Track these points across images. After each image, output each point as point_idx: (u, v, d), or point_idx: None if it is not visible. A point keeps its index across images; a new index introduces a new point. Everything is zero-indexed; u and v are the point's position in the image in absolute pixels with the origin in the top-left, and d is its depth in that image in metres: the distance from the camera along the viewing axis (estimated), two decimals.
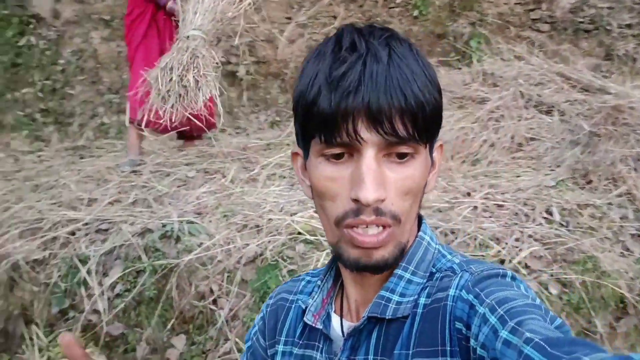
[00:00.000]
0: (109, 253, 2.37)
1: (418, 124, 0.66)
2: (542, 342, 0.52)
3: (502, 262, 2.13)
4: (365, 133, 0.65)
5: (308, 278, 0.91)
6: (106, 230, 2.53)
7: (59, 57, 5.75)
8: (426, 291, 0.73)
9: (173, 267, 2.33)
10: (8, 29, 5.77)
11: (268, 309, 0.91)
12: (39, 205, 2.64)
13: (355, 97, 0.64)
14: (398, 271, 0.74)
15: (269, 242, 2.45)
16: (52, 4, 5.95)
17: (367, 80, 0.64)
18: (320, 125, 0.66)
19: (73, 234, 2.47)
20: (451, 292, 0.69)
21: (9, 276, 2.36)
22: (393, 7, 5.22)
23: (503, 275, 0.70)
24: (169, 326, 2.30)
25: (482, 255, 2.15)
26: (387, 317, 0.72)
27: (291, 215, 2.60)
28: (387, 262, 0.70)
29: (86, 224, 2.53)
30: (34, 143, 5.35)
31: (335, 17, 5.26)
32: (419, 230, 0.78)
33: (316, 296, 0.82)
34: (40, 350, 2.24)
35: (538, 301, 0.64)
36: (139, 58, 3.38)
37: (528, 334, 0.53)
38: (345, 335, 0.77)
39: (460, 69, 4.15)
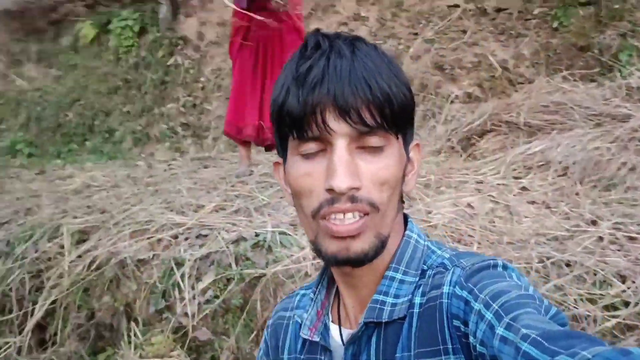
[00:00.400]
0: (204, 258, 2.42)
1: (385, 114, 0.68)
2: (539, 338, 0.51)
3: (626, 304, 1.78)
4: (334, 123, 0.66)
5: (302, 292, 0.90)
6: (205, 236, 2.59)
7: (201, 75, 6.22)
8: (420, 290, 0.73)
9: (260, 277, 2.31)
10: (159, 50, 6.39)
11: (269, 330, 0.92)
12: (152, 208, 2.81)
13: (320, 89, 0.66)
14: (389, 273, 0.74)
15: None
16: (197, 27, 6.49)
17: (332, 73, 0.66)
18: (292, 122, 0.68)
19: (176, 237, 2.58)
20: (445, 289, 0.69)
21: (116, 273, 2.52)
22: (529, 19, 4.83)
23: (494, 266, 0.69)
24: (252, 336, 2.27)
25: (601, 294, 1.81)
26: (383, 321, 0.72)
27: None
28: (367, 254, 0.69)
29: (188, 228, 2.62)
30: (175, 154, 5.82)
31: (464, 32, 5.01)
32: (405, 229, 0.78)
33: (310, 309, 0.82)
34: (135, 347, 2.34)
35: (531, 289, 0.63)
36: (234, 76, 3.55)
37: (524, 330, 0.53)
38: (345, 343, 0.76)
39: (603, 84, 3.67)
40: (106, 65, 6.73)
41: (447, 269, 0.72)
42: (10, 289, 2.72)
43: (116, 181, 3.51)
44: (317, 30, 0.73)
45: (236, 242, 2.52)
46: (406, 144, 0.75)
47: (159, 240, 2.54)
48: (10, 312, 2.70)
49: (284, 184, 0.78)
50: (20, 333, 2.63)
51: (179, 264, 2.40)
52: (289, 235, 2.53)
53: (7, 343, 2.61)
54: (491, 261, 0.70)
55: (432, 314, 0.69)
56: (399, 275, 0.74)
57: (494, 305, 0.59)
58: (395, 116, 0.69)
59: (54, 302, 2.61)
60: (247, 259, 2.41)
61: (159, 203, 2.89)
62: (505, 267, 0.69)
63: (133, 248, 2.52)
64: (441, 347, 0.67)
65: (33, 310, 2.61)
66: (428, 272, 0.74)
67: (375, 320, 0.72)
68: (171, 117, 6.13)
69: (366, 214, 0.68)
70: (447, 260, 0.74)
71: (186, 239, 2.55)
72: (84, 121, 6.40)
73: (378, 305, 0.73)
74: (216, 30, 6.44)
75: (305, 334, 0.80)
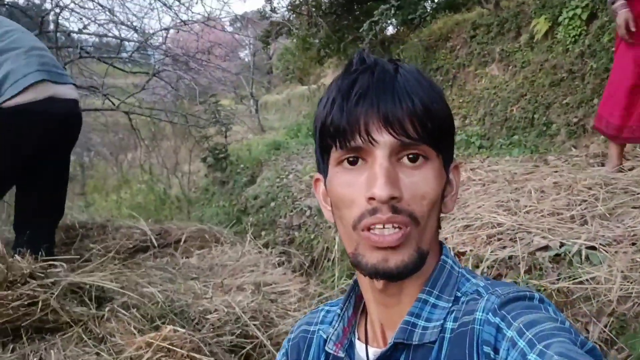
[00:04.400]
0: (502, 261, 2.44)
1: (427, 128, 0.70)
2: None
3: None
4: (377, 135, 0.69)
5: (327, 308, 0.94)
6: (522, 239, 2.57)
7: None
8: (452, 315, 0.73)
9: (544, 290, 2.17)
10: (604, 35, 5.91)
11: (290, 343, 0.93)
12: (487, 205, 2.94)
13: (364, 101, 0.69)
14: (422, 295, 0.75)
15: None
16: None
17: (376, 86, 0.70)
18: (335, 133, 0.71)
19: (492, 236, 2.66)
20: (478, 315, 0.68)
21: None
22: None
23: (530, 298, 0.68)
24: None
25: None
26: (413, 343, 0.72)
27: None
28: (407, 266, 0.70)
29: (508, 229, 2.65)
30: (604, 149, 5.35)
31: None
32: (440, 254, 0.79)
33: (337, 325, 0.83)
34: None
35: (567, 324, 0.62)
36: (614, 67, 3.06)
37: (557, 358, 0.53)
38: None
39: None
40: (555, 58, 6.73)
41: (481, 296, 0.72)
42: None
43: (494, 177, 3.73)
44: (362, 51, 0.79)
45: (543, 249, 2.41)
46: (446, 164, 0.76)
47: (476, 237, 2.68)
48: None
49: (323, 200, 0.83)
50: None
51: (479, 262, 2.50)
52: (602, 252, 2.23)
53: None
54: (527, 292, 0.69)
55: (463, 339, 0.68)
56: (432, 299, 0.75)
57: (528, 333, 0.59)
58: (436, 131, 0.71)
59: None
60: (540, 269, 2.29)
61: (498, 201, 2.98)
62: (542, 300, 0.68)
63: (455, 241, 2.76)
64: None
65: None
66: (462, 298, 0.74)
67: (405, 342, 0.73)
68: None
69: (406, 226, 0.69)
70: (481, 288, 0.74)
71: (499, 239, 2.61)
72: (526, 115, 6.65)
73: (409, 327, 0.73)
74: None
75: (330, 348, 0.82)
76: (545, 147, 5.95)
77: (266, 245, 4.91)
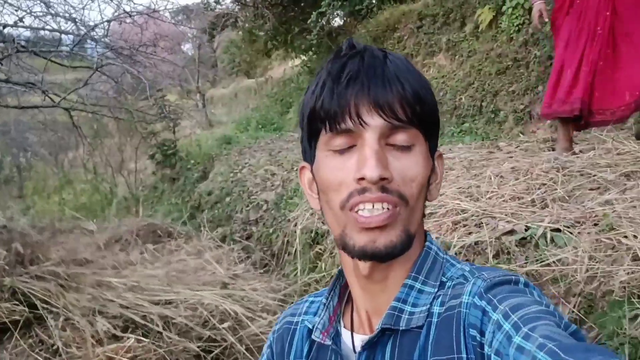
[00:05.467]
0: (470, 247, 2.46)
1: (416, 111, 0.70)
2: (555, 348, 0.52)
3: None
4: (368, 117, 0.69)
5: (311, 299, 0.94)
6: (487, 224, 2.59)
7: None
8: (439, 300, 0.73)
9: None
10: (547, 24, 6.09)
11: (274, 336, 0.93)
12: (449, 192, 2.96)
13: (355, 84, 0.70)
14: (408, 281, 0.75)
15: (637, 273, 1.92)
16: None
17: (366, 70, 0.70)
18: (325, 117, 0.71)
19: (457, 223, 2.68)
20: (464, 299, 0.69)
21: None
22: None
23: (516, 282, 0.69)
24: None
25: None
26: (400, 328, 0.73)
27: None
28: (396, 247, 0.70)
29: (473, 215, 2.68)
30: (555, 133, 5.54)
31: None
32: (425, 241, 0.79)
33: (323, 314, 0.83)
34: None
35: (552, 307, 0.63)
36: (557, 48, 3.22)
37: (541, 340, 0.53)
38: (358, 348, 0.78)
39: None
40: (500, 47, 6.90)
41: (467, 280, 0.73)
42: None
43: (451, 164, 3.77)
44: (350, 38, 0.79)
45: (509, 233, 2.44)
46: (432, 151, 0.77)
47: (442, 224, 2.70)
48: None
49: (308, 188, 0.82)
50: None
51: (446, 249, 2.51)
52: (566, 234, 2.27)
53: None
54: (513, 277, 0.70)
55: (450, 323, 0.69)
56: (418, 285, 0.75)
57: (513, 316, 0.60)
58: (425, 115, 0.72)
59: None
60: (508, 252, 2.32)
61: (459, 187, 3.01)
62: (526, 284, 0.69)
63: None
64: (455, 356, 0.67)
65: None
66: (447, 283, 0.75)
67: (392, 327, 0.73)
68: None
69: (395, 206, 0.69)
70: (467, 273, 0.75)
71: (464, 226, 2.62)
72: (474, 103, 6.80)
73: (396, 313, 0.74)
74: None
75: (317, 336, 0.82)
76: (495, 134, 6.10)
77: (223, 240, 4.79)
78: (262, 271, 3.93)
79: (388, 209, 0.68)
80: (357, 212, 0.69)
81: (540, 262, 2.20)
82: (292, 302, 3.56)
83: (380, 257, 0.70)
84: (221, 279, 2.92)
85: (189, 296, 2.53)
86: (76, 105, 6.43)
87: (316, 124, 0.73)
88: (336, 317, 0.84)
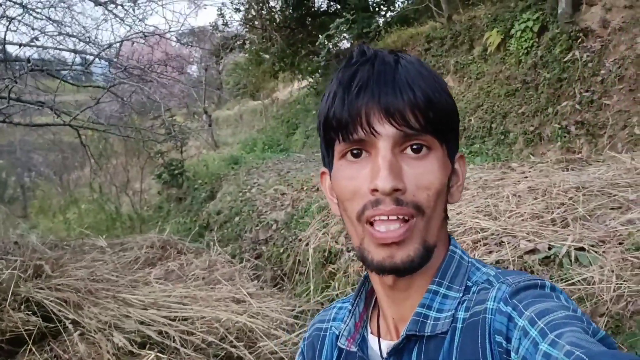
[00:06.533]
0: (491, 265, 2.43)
1: (429, 118, 0.68)
2: (583, 355, 0.50)
3: None
4: (379, 126, 0.67)
5: (339, 305, 0.93)
6: (508, 243, 2.56)
7: (601, 67, 5.66)
8: (464, 305, 0.72)
9: None
10: (555, 46, 6.15)
11: (306, 342, 0.93)
12: (467, 210, 2.94)
13: (365, 93, 0.68)
14: (432, 286, 0.74)
15: None
16: (601, 15, 5.91)
17: (376, 77, 0.69)
18: (337, 126, 0.70)
19: (478, 241, 2.65)
20: (489, 304, 0.67)
21: None
22: None
23: (542, 286, 0.66)
24: None
25: None
26: (426, 334, 0.72)
27: None
28: (413, 261, 0.68)
29: (492, 234, 2.65)
30: (566, 154, 5.54)
31: None
32: (449, 245, 0.77)
33: (348, 320, 0.83)
34: None
35: (580, 312, 0.60)
36: None
37: (568, 347, 0.52)
38: (385, 354, 0.77)
39: None
40: (508, 69, 6.94)
41: (492, 285, 0.70)
42: None
43: (465, 184, 3.74)
44: (362, 44, 0.77)
45: (530, 252, 2.41)
46: (451, 153, 0.74)
47: (462, 243, 2.66)
48: None
49: (329, 194, 0.81)
50: None
51: None
52: (591, 253, 2.24)
53: None
54: (539, 281, 0.68)
55: (475, 329, 0.68)
56: (442, 290, 0.74)
57: (540, 322, 0.58)
58: (438, 121, 0.69)
59: None
60: (532, 272, 2.28)
61: (476, 206, 2.98)
62: (553, 288, 0.67)
63: None
64: None
65: None
66: (472, 288, 0.73)
67: (417, 333, 0.72)
68: (565, 116, 5.83)
69: (411, 217, 0.68)
70: (492, 277, 0.73)
71: (485, 244, 2.59)
72: (484, 125, 6.81)
73: (421, 319, 0.72)
74: (623, 14, 5.71)
75: (342, 343, 0.81)
76: (505, 155, 6.10)
77: (234, 257, 4.76)
78: (275, 290, 3.88)
79: (404, 219, 0.67)
80: (372, 225, 0.68)
81: (565, 281, 2.16)
82: (307, 320, 3.52)
83: (399, 272, 0.69)
84: (235, 295, 2.89)
85: (205, 313, 2.49)
86: (86, 124, 6.45)
87: (329, 133, 0.72)
88: (362, 323, 0.83)
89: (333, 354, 0.85)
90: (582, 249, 2.26)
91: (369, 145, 0.68)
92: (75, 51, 5.24)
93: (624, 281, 2.04)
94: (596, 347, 0.52)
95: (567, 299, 0.64)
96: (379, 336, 0.81)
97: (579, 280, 2.13)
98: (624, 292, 2.01)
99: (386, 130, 0.67)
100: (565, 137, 5.72)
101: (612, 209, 2.62)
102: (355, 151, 0.70)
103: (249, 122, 18.40)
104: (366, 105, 0.67)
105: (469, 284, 0.74)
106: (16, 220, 10.41)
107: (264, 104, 15.95)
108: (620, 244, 2.24)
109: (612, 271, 2.08)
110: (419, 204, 0.68)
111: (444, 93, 0.71)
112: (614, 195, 2.71)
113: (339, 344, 0.82)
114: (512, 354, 0.60)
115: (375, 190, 0.66)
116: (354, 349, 0.80)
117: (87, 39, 5.38)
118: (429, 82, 0.70)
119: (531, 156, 5.77)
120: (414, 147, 0.68)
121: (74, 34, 5.62)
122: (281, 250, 4.68)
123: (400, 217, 0.67)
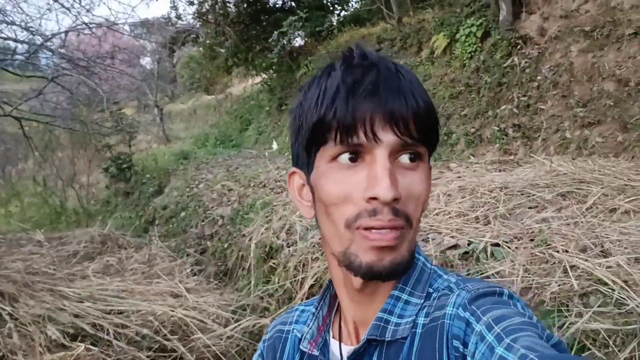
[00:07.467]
0: None
1: (428, 128, 0.69)
2: (536, 359, 0.52)
3: None
4: (382, 133, 0.67)
5: (302, 308, 0.93)
6: (433, 239, 2.72)
7: (537, 73, 5.96)
8: (424, 311, 0.73)
9: None
10: (497, 52, 6.43)
11: (265, 344, 0.93)
12: None
13: (372, 98, 0.66)
14: (395, 292, 0.74)
15: (567, 284, 2.06)
16: (539, 23, 6.21)
17: (384, 84, 0.67)
18: (337, 129, 0.68)
19: None
20: (448, 310, 0.68)
21: None
22: None
23: (500, 294, 0.68)
24: None
25: None
26: (386, 339, 0.72)
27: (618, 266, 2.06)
28: (400, 265, 0.69)
29: (420, 230, 2.79)
30: (503, 156, 5.81)
31: None
32: None
33: (311, 324, 0.83)
34: None
35: (535, 319, 0.62)
36: None
37: (523, 350, 0.53)
38: (345, 359, 0.77)
39: None
40: (453, 72, 7.19)
41: (452, 292, 0.72)
42: None
43: None
44: (359, 45, 0.75)
45: (452, 248, 2.57)
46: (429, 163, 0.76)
47: None
48: None
49: (298, 195, 0.80)
50: None
51: None
52: (504, 248, 2.41)
53: None
54: (497, 288, 0.69)
55: (433, 334, 0.69)
56: (404, 296, 0.75)
57: (496, 327, 0.59)
58: (432, 131, 0.71)
59: None
60: (451, 266, 2.44)
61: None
62: (511, 296, 0.68)
63: None
64: None
65: None
66: (433, 294, 0.74)
67: (378, 338, 0.73)
68: (503, 119, 6.10)
69: (402, 228, 0.68)
70: (453, 284, 0.74)
71: None
72: None
73: (382, 324, 0.73)
74: (559, 23, 6.03)
75: (305, 347, 0.82)
76: (447, 155, 6.33)
77: (178, 252, 4.77)
78: (215, 285, 3.93)
79: (397, 229, 0.68)
80: (367, 230, 0.67)
81: (480, 274, 2.32)
82: (245, 315, 3.60)
83: (384, 277, 0.69)
84: (173, 290, 2.93)
85: (141, 306, 2.53)
86: (28, 115, 6.28)
87: (323, 133, 0.70)
88: (325, 327, 0.84)
89: (295, 356, 0.86)
90: (497, 244, 2.43)
91: (365, 151, 0.68)
92: (16, 40, 5.10)
93: (531, 274, 2.21)
94: (549, 351, 0.54)
95: (523, 307, 0.66)
96: (340, 340, 0.81)
97: (492, 274, 2.29)
98: (532, 285, 2.18)
99: (388, 138, 0.67)
100: (503, 139, 5.99)
101: (530, 207, 2.81)
102: (352, 156, 0.69)
103: (202, 116, 18.21)
104: (372, 110, 0.66)
105: (430, 290, 0.75)
106: None
107: (218, 99, 15.83)
108: (531, 240, 2.42)
109: (523, 265, 2.25)
110: (409, 214, 0.68)
111: (433, 105, 0.72)
112: (533, 195, 2.91)
113: (301, 347, 0.83)
114: (468, 359, 0.61)
115: (374, 198, 0.66)
116: (316, 352, 0.81)
117: (30, 29, 5.25)
118: (425, 92, 0.71)
119: (472, 157, 6.01)
120: (411, 156, 0.69)
121: (17, 22, 5.47)
122: (225, 246, 4.72)
123: (394, 229, 0.67)
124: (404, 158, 0.68)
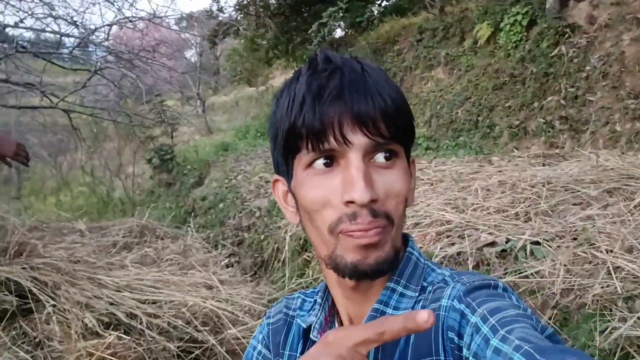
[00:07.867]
0: (452, 257, 2.49)
1: (398, 126, 0.70)
2: (531, 350, 0.52)
3: None
4: (352, 136, 0.67)
5: (302, 296, 0.94)
6: (470, 236, 2.63)
7: (586, 63, 5.70)
8: (420, 304, 0.74)
9: None
10: (543, 41, 6.17)
11: (271, 327, 0.93)
12: (435, 203, 3.00)
13: (338, 102, 0.67)
14: (390, 284, 0.75)
15: (610, 287, 1.95)
16: (589, 11, 5.93)
17: (348, 86, 0.68)
18: (307, 136, 0.68)
19: (441, 233, 2.71)
20: (443, 302, 0.69)
21: None
22: None
23: (495, 286, 0.69)
24: None
25: None
26: None
27: None
28: (385, 262, 0.70)
29: (456, 227, 2.71)
30: (549, 150, 5.60)
31: None
32: (406, 247, 0.80)
33: (319, 314, 0.84)
34: None
35: (529, 312, 0.63)
36: None
37: (518, 342, 0.54)
38: None
39: None
40: (497, 62, 6.97)
41: (447, 284, 0.73)
42: None
43: (441, 176, 3.80)
44: (323, 50, 0.76)
45: (490, 245, 2.48)
46: (408, 159, 0.76)
47: (426, 234, 2.73)
48: None
49: (283, 201, 0.81)
50: None
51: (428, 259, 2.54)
52: (545, 247, 2.31)
53: None
54: (492, 281, 0.70)
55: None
56: (399, 288, 0.75)
57: (491, 319, 0.60)
58: (405, 128, 0.71)
59: None
60: (488, 264, 2.35)
61: (445, 199, 3.04)
62: (505, 289, 0.69)
63: None
64: (434, 358, 0.68)
65: None
66: (428, 288, 0.75)
67: None
68: (549, 111, 5.87)
69: (384, 227, 0.69)
70: (448, 277, 0.75)
71: (448, 236, 2.66)
72: (471, 117, 6.86)
73: (378, 315, 0.74)
74: (609, 11, 5.73)
75: (315, 336, 0.83)
76: (489, 148, 6.15)
77: (215, 246, 4.82)
78: (250, 277, 3.95)
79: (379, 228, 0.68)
80: (350, 234, 0.68)
81: (519, 273, 2.23)
82: None
83: (370, 275, 0.70)
84: (207, 281, 2.95)
85: (175, 297, 2.55)
86: (75, 107, 6.47)
87: (295, 141, 0.70)
88: (331, 318, 0.85)
89: (299, 344, 0.87)
90: (537, 243, 2.32)
91: (339, 155, 0.68)
92: (62, 34, 5.24)
93: (573, 275, 2.10)
94: (543, 342, 0.54)
95: (517, 300, 0.67)
96: None
97: (531, 274, 2.19)
98: (573, 286, 2.07)
99: (358, 140, 0.67)
100: (549, 132, 5.77)
101: (573, 204, 2.68)
102: (326, 161, 0.69)
103: (244, 108, 18.38)
104: (339, 114, 0.67)
105: (425, 284, 0.76)
106: (4, 202, 10.44)
107: (259, 91, 15.94)
108: (574, 239, 2.30)
109: (564, 265, 2.14)
110: (389, 212, 0.69)
111: (404, 99, 0.72)
112: (577, 191, 2.77)
113: (311, 336, 0.83)
114: (464, 350, 0.62)
115: (351, 202, 0.66)
116: None
117: (75, 22, 5.38)
118: (394, 89, 0.71)
119: (515, 150, 5.82)
120: (386, 155, 0.69)
121: (62, 16, 5.63)
122: (262, 237, 4.74)
123: (377, 229, 0.68)
124: (379, 157, 0.69)
